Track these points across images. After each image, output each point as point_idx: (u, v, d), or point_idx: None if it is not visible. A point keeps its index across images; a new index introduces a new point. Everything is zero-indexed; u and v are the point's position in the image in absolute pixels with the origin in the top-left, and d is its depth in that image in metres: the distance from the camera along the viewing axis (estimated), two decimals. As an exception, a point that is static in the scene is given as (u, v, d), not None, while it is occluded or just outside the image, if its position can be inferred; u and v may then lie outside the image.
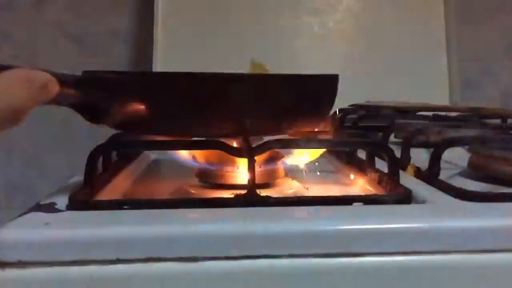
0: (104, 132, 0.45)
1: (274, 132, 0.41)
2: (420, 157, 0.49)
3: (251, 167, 0.36)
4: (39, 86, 0.28)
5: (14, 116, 0.27)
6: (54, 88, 0.29)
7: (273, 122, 0.40)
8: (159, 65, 0.83)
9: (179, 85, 0.38)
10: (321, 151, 0.45)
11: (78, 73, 0.36)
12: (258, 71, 0.52)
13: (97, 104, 0.35)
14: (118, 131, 0.43)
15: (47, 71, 0.29)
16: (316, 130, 0.45)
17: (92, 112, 0.36)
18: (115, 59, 0.91)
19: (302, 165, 0.46)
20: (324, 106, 0.43)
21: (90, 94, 0.34)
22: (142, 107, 0.37)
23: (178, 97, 0.37)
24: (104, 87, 0.35)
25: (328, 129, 0.46)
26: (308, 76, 0.41)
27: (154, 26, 0.83)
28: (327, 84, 0.43)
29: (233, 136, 0.40)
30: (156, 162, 0.57)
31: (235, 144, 0.40)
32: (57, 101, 0.31)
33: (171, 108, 0.38)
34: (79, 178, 0.40)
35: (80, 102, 0.34)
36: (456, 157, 0.51)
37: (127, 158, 0.50)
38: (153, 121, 0.38)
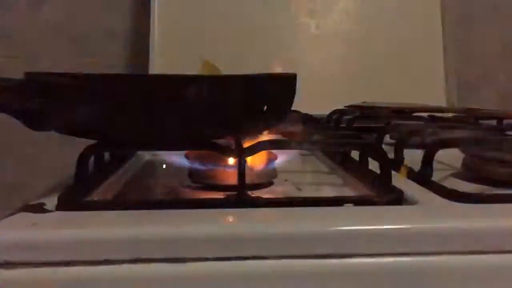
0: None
1: (228, 135, 0.40)
2: (414, 158, 0.49)
3: (241, 168, 0.36)
4: None
5: None
6: None
7: (232, 124, 0.38)
8: (156, 65, 0.83)
9: (123, 88, 0.35)
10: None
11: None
12: (210, 71, 0.51)
13: (39, 110, 0.33)
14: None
15: None
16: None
17: (34, 119, 0.33)
18: (112, 59, 0.91)
19: (295, 165, 0.46)
20: (283, 107, 0.41)
21: (28, 99, 0.32)
22: (86, 112, 0.34)
23: (124, 101, 0.35)
24: (45, 91, 0.32)
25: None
26: (263, 75, 0.40)
27: (151, 26, 0.83)
28: (285, 85, 0.41)
29: (187, 142, 0.39)
30: (150, 163, 0.57)
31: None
32: None
33: (120, 112, 0.35)
34: (69, 178, 0.40)
35: (21, 109, 0.32)
36: (450, 158, 0.51)
37: (120, 159, 0.50)
38: (101, 127, 0.36)
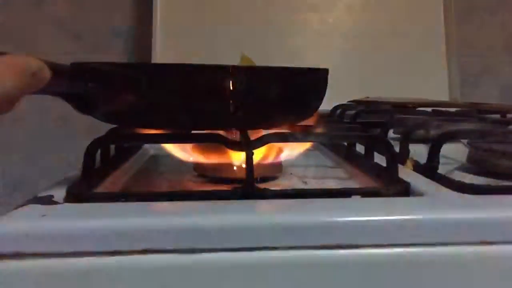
0: (103, 130, 0.45)
1: (264, 125, 0.41)
2: (419, 152, 0.49)
3: (249, 161, 0.36)
4: (32, 73, 0.27)
5: (5, 103, 0.26)
6: (46, 75, 0.29)
7: (262, 115, 0.39)
8: (158, 61, 0.83)
9: (170, 76, 0.37)
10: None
11: None
12: (247, 64, 0.52)
13: (87, 94, 0.35)
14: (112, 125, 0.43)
15: (38, 58, 0.29)
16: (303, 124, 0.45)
17: (81, 102, 0.35)
18: (114, 55, 0.91)
19: (300, 160, 0.46)
20: (314, 100, 0.42)
21: (80, 84, 0.34)
22: (132, 98, 0.37)
23: (168, 89, 0.37)
24: (95, 77, 0.35)
25: (315, 123, 0.46)
26: (298, 69, 0.41)
27: (153, 23, 0.83)
28: (317, 78, 0.42)
29: (224, 128, 0.40)
30: (155, 157, 0.57)
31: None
32: (48, 89, 0.30)
33: (160, 100, 0.37)
34: (77, 171, 0.40)
35: (70, 92, 0.34)
36: (455, 152, 0.51)
37: (125, 153, 0.50)
38: (143, 114, 0.38)
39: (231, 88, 0.36)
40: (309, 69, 0.42)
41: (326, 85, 0.42)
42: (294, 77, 0.39)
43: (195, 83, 0.36)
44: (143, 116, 0.38)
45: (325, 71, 0.42)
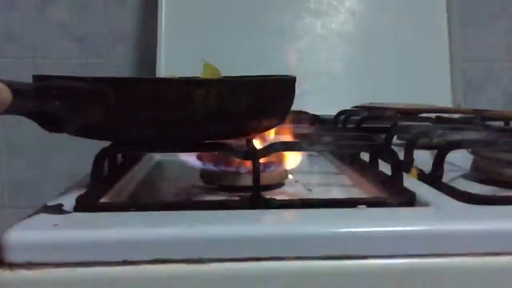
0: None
1: (235, 136, 0.41)
2: (422, 158, 0.49)
3: (255, 170, 0.36)
4: None
5: None
6: (5, 96, 0.27)
7: (233, 125, 0.39)
8: (162, 65, 0.83)
9: (137, 90, 0.36)
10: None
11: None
12: (211, 72, 0.52)
13: (55, 112, 0.33)
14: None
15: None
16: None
17: (51, 121, 0.34)
18: (118, 59, 0.92)
19: (305, 166, 0.47)
20: (284, 107, 0.43)
21: (46, 102, 0.32)
22: (101, 114, 0.35)
23: (136, 103, 0.36)
24: (61, 94, 0.33)
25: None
26: (266, 79, 0.42)
27: (158, 27, 0.84)
28: (284, 87, 0.43)
29: (195, 139, 0.40)
30: (160, 163, 0.57)
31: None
32: (12, 111, 0.29)
33: (129, 114, 0.36)
34: (85, 179, 0.41)
35: (35, 111, 0.32)
36: (459, 159, 0.51)
37: (132, 160, 0.51)
38: (113, 128, 0.37)
39: (200, 100, 0.36)
40: (277, 78, 0.43)
41: (294, 93, 0.43)
42: (262, 88, 0.40)
43: (163, 96, 0.36)
44: (113, 131, 0.37)
45: (293, 80, 0.43)
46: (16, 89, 0.28)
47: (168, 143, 0.41)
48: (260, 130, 0.42)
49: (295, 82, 0.43)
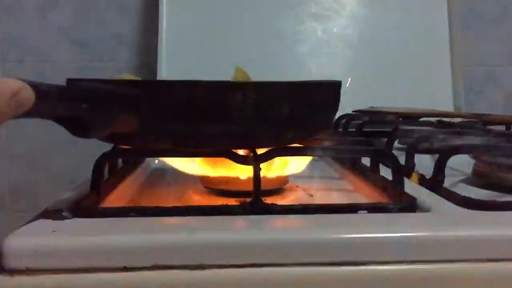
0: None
1: (277, 143, 0.39)
2: (423, 162, 0.49)
3: (256, 175, 0.36)
4: (10, 96, 0.24)
5: None
6: (28, 97, 0.25)
7: (274, 131, 0.37)
8: (164, 70, 0.83)
9: (174, 94, 0.35)
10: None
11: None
12: (242, 77, 0.51)
13: (82, 116, 0.31)
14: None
15: (21, 79, 0.26)
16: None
17: (78, 125, 0.32)
18: (120, 63, 0.92)
19: (305, 171, 0.46)
20: (328, 113, 0.42)
21: (72, 105, 0.31)
22: (133, 119, 0.34)
23: (170, 107, 0.35)
24: (88, 97, 0.31)
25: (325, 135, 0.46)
26: (311, 83, 0.40)
27: (159, 31, 0.84)
28: (328, 91, 0.41)
29: (231, 148, 0.39)
30: (160, 168, 0.57)
31: (240, 152, 0.41)
32: (37, 113, 0.27)
33: (162, 119, 0.35)
34: (84, 184, 0.40)
35: (62, 114, 0.31)
36: (459, 163, 0.51)
37: (131, 164, 0.51)
38: (144, 133, 0.35)
39: (239, 106, 0.35)
40: (320, 82, 0.41)
41: (339, 98, 0.41)
42: (306, 92, 0.38)
43: (199, 101, 0.35)
44: (144, 136, 0.36)
45: (338, 84, 0.41)
46: (41, 90, 0.27)
47: (168, 149, 0.41)
48: (303, 137, 0.41)
49: (340, 86, 0.42)
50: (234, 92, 0.35)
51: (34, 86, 0.26)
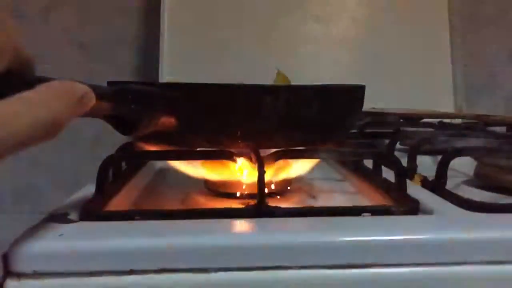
0: (110, 139, 0.45)
1: (302, 144, 0.41)
2: (425, 164, 0.49)
3: (261, 179, 0.37)
4: (78, 98, 0.27)
5: (52, 128, 0.26)
6: (91, 100, 0.28)
7: (302, 134, 0.40)
8: (165, 72, 0.83)
9: (212, 96, 0.37)
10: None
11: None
12: (282, 81, 0.52)
13: (129, 116, 0.34)
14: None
15: (83, 83, 0.29)
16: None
17: (124, 124, 0.35)
18: (122, 66, 0.92)
19: (309, 174, 0.47)
20: (351, 117, 0.43)
21: (122, 106, 0.34)
22: (172, 119, 0.37)
23: (208, 109, 0.37)
24: (137, 99, 0.34)
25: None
26: (334, 86, 0.42)
27: (161, 34, 0.84)
28: (354, 95, 0.43)
29: (263, 148, 0.40)
30: (163, 170, 0.57)
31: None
32: (92, 113, 0.30)
33: (200, 120, 0.37)
34: (89, 187, 0.41)
35: (112, 114, 0.34)
36: (461, 165, 0.51)
37: (135, 167, 0.51)
38: (184, 134, 0.38)
39: (272, 107, 0.37)
40: (346, 86, 0.43)
41: (363, 102, 0.43)
42: (332, 95, 0.40)
43: (236, 103, 0.37)
44: (183, 137, 0.39)
45: (362, 88, 0.43)
46: (99, 92, 0.29)
47: (172, 151, 0.41)
48: (329, 139, 0.43)
49: (364, 90, 0.43)
50: (274, 96, 0.37)
51: (93, 88, 0.29)
